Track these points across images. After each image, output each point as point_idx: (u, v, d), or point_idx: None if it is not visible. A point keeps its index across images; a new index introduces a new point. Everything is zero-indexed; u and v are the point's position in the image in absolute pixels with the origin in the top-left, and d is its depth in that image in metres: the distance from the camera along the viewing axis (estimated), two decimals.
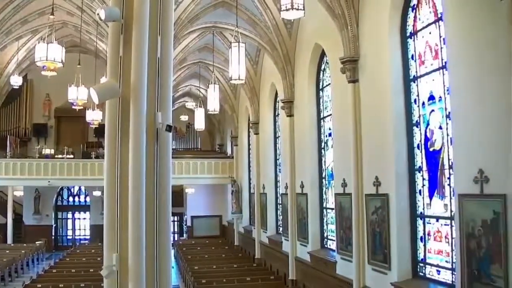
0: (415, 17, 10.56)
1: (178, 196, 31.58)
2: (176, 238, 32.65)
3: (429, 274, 9.98)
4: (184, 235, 34.33)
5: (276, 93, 20.41)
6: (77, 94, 15.85)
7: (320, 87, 16.01)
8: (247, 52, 17.43)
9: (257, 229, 22.46)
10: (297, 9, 9.10)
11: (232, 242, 27.99)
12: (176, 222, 35.35)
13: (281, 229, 19.87)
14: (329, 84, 14.76)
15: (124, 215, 4.68)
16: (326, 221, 15.54)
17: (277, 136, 21.40)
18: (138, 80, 4.73)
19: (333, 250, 14.19)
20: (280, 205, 19.99)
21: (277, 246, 19.44)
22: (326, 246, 15.49)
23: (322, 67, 15.83)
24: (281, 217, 19.92)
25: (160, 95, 4.92)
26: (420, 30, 10.36)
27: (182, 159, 27.66)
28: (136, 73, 4.74)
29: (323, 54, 15.33)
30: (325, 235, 15.63)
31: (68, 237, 32.52)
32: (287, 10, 9.15)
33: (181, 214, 34.79)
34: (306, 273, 15.94)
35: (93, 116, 18.02)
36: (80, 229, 32.99)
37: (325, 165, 15.70)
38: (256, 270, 19.53)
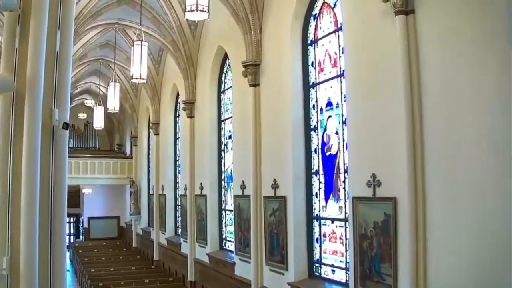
0: (316, 25, 10.88)
1: (75, 196, 30.74)
2: (72, 240, 31.65)
3: (324, 273, 10.31)
4: (81, 236, 33.28)
5: (178, 94, 20.28)
6: None
7: (222, 89, 16.09)
8: (149, 51, 17.23)
9: (155, 230, 22.19)
10: (202, 11, 9.11)
11: (130, 244, 27.51)
12: (72, 224, 34.30)
13: (180, 230, 19.77)
14: (231, 87, 14.86)
15: (16, 216, 4.45)
16: (225, 222, 15.63)
17: (177, 137, 21.26)
18: (34, 74, 4.53)
19: (232, 251, 14.29)
20: (179, 207, 19.87)
21: (176, 248, 19.30)
22: (225, 247, 15.57)
23: (225, 70, 15.92)
24: (180, 218, 19.81)
25: (58, 91, 4.73)
26: (321, 38, 10.68)
27: (80, 159, 26.91)
28: (32, 67, 4.53)
29: (226, 57, 15.42)
30: (224, 236, 15.71)
31: None
32: (191, 11, 9.13)
33: (77, 215, 33.78)
34: (205, 274, 15.95)
35: None
36: None
37: (224, 167, 15.79)
38: (154, 272, 19.38)
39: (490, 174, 6.07)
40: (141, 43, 12.77)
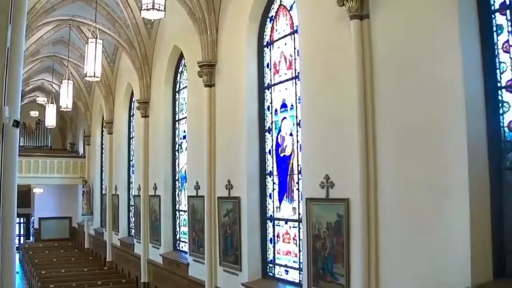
0: (272, 27, 10.94)
1: (25, 196, 30.03)
2: (22, 241, 30.90)
3: (278, 274, 10.37)
4: (31, 237, 32.41)
5: (132, 93, 20.06)
6: None
7: (177, 89, 16.01)
8: (104, 49, 16.97)
9: (108, 231, 21.88)
10: (158, 10, 9.07)
11: (82, 245, 27.06)
12: (22, 224, 33.46)
13: (133, 231, 19.54)
14: (186, 87, 14.81)
15: None
16: (179, 223, 15.56)
17: (131, 136, 21.01)
18: None
19: (186, 252, 14.23)
20: (133, 207, 19.65)
21: (129, 249, 19.08)
22: (178, 248, 15.50)
23: (180, 70, 15.84)
24: (133, 219, 19.59)
25: (8, 88, 4.64)
26: (277, 40, 10.75)
27: (31, 157, 26.26)
28: None
29: (181, 56, 15.34)
30: (177, 237, 15.63)
31: None
32: (147, 9, 9.08)
33: (27, 216, 32.92)
34: (159, 275, 15.82)
35: None
36: None
37: (178, 167, 15.71)
38: (107, 273, 19.14)
39: (443, 175, 6.23)
40: (96, 40, 12.60)
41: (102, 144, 25.52)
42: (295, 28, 9.99)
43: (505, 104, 6.01)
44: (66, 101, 18.84)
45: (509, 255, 5.89)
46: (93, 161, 26.38)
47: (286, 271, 10.11)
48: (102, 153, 25.49)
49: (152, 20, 15.55)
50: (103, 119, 23.62)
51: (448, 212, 6.11)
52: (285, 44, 10.44)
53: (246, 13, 11.13)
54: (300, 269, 9.50)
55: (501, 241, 5.92)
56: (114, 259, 21.35)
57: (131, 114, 21.08)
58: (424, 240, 6.45)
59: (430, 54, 6.49)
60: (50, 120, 22.72)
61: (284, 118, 10.35)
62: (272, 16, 10.96)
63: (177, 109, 16.02)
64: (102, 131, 24.91)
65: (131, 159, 20.98)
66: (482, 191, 5.97)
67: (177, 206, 15.71)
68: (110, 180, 22.00)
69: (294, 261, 9.88)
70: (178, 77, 15.97)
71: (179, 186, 15.64)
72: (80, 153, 29.90)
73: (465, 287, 5.72)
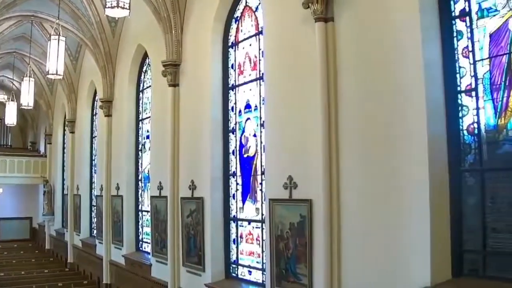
0: (237, 28, 10.93)
1: None
2: None
3: (241, 274, 10.37)
4: None
5: (95, 92, 19.81)
6: None
7: (141, 88, 15.87)
8: (67, 46, 16.76)
9: (70, 232, 21.54)
10: (123, 8, 8.98)
11: (43, 246, 26.60)
12: None
13: (95, 232, 19.30)
14: (150, 86, 14.70)
15: None
16: (142, 223, 15.43)
17: (93, 136, 20.73)
18: None
19: (148, 253, 14.11)
20: (95, 207, 19.40)
21: (90, 250, 18.82)
22: (141, 248, 15.36)
23: (144, 69, 15.71)
24: (95, 219, 19.35)
25: None
26: (242, 41, 10.75)
27: None
28: None
29: (146, 55, 15.22)
30: (140, 237, 15.50)
31: None
32: (112, 7, 8.98)
33: None
34: (121, 276, 15.66)
35: None
36: None
37: (141, 167, 15.59)
38: (68, 274, 18.95)
39: (404, 176, 6.32)
40: (59, 37, 12.43)
41: (64, 143, 25.07)
42: (260, 29, 10.01)
43: (464, 107, 6.16)
44: (27, 99, 18.53)
45: (467, 255, 6.02)
46: (54, 160, 25.93)
47: (249, 272, 10.12)
48: (64, 152, 25.04)
49: (117, 18, 15.42)
50: (65, 117, 23.22)
51: (409, 212, 6.20)
52: (250, 45, 10.45)
53: (212, 13, 11.10)
54: (263, 270, 9.51)
55: (460, 241, 6.05)
56: (75, 260, 21.02)
57: (94, 113, 20.81)
58: (385, 240, 6.53)
59: (393, 58, 6.58)
60: (10, 118, 22.33)
61: (248, 119, 10.36)
62: (237, 16, 10.96)
63: (140, 109, 15.89)
64: (64, 130, 24.46)
65: (93, 158, 20.69)
66: (442, 191, 6.09)
67: (140, 206, 15.58)
68: (72, 179, 21.65)
69: (257, 262, 9.90)
70: (142, 76, 15.84)
71: (142, 186, 15.51)
72: (41, 152, 29.36)
73: (424, 286, 5.82)
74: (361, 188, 6.96)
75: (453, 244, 6.06)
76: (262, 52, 9.64)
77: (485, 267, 5.89)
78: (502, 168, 5.85)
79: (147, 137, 15.03)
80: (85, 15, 16.11)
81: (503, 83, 5.81)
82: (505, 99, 5.79)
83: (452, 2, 6.38)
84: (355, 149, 7.10)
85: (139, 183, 15.65)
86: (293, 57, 8.39)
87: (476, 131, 6.06)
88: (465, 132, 6.15)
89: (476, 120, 6.06)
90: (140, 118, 15.81)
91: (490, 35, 5.98)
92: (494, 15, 5.94)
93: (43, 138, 28.83)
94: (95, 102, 20.24)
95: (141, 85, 15.88)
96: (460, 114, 6.19)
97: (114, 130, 16.88)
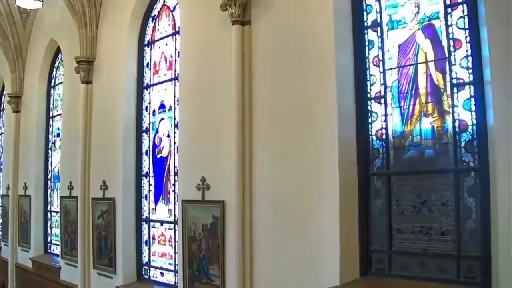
0: (154, 27, 10.79)
1: None
2: None
3: (153, 276, 10.25)
4: None
5: (3, 86, 18.92)
6: None
7: (52, 84, 15.33)
8: None
9: None
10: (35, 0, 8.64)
11: None
12: None
13: (0, 233, 18.44)
14: (62, 82, 14.24)
15: None
16: (51, 225, 14.90)
17: (0, 132, 19.83)
18: None
19: (58, 255, 13.64)
20: (0, 207, 18.54)
21: None
22: (50, 251, 14.82)
23: (56, 64, 15.17)
24: (0, 220, 18.49)
25: None
26: (158, 40, 10.63)
27: None
28: None
29: (58, 50, 14.70)
30: (49, 239, 14.97)
31: None
32: None
33: None
34: (28, 280, 15.02)
35: None
36: None
37: (51, 166, 15.06)
38: None
39: (315, 178, 6.48)
40: None
41: None
42: (177, 29, 9.94)
43: (373, 114, 6.45)
44: None
45: (374, 254, 6.29)
46: None
47: (162, 273, 10.02)
48: None
49: (28, 10, 14.80)
50: None
51: (320, 213, 6.35)
52: (166, 44, 10.35)
53: (128, 10, 10.89)
54: (175, 271, 9.47)
55: (367, 241, 6.32)
56: None
57: (1, 109, 19.87)
58: (296, 240, 6.67)
59: (307, 64, 6.72)
60: None
61: (162, 119, 10.26)
62: (154, 15, 10.82)
63: (51, 105, 15.33)
64: None
65: None
66: (351, 194, 6.31)
67: (49, 206, 15.02)
68: None
69: (169, 263, 9.83)
70: (54, 72, 15.28)
71: (51, 186, 14.98)
72: None
73: (334, 285, 5.99)
74: (274, 189, 7.07)
75: (361, 244, 6.32)
76: (178, 52, 9.58)
77: (390, 266, 6.18)
78: (407, 172, 6.15)
79: (58, 135, 14.52)
80: None
81: (409, 91, 6.14)
82: (411, 107, 6.13)
83: (365, 13, 6.66)
84: (269, 150, 7.20)
85: (49, 182, 15.09)
86: (209, 59, 8.39)
87: (384, 137, 6.36)
88: (373, 137, 6.45)
89: (384, 126, 6.37)
90: (51, 115, 15.24)
91: (399, 46, 6.31)
92: (403, 28, 6.27)
93: None
94: (3, 97, 19.34)
95: (53, 81, 15.31)
96: (370, 120, 6.48)
97: (22, 126, 16.16)
